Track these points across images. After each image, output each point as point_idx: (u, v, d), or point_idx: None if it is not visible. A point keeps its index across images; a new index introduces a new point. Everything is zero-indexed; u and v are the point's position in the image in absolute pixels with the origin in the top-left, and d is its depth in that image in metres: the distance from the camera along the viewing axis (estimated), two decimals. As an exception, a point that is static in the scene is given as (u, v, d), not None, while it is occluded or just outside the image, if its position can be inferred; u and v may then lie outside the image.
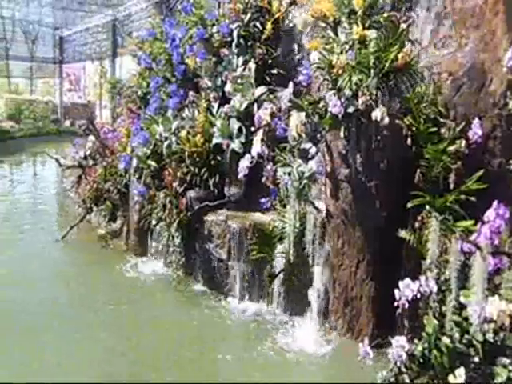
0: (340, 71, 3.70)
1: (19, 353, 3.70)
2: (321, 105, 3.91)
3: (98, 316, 4.36)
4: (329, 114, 3.72)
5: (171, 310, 4.51)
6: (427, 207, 3.20)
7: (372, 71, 3.58)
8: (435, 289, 2.71)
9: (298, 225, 3.90)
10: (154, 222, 5.17)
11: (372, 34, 3.77)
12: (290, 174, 3.80)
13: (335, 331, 3.88)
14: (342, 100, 3.62)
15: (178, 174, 5.00)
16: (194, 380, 3.40)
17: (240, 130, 4.91)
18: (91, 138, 7.46)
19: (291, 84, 4.11)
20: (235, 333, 4.10)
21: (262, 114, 4.31)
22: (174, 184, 4.96)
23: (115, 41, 15.91)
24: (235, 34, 5.48)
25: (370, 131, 3.57)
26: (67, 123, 20.07)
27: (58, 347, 3.84)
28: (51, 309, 4.46)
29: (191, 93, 5.67)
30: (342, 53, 3.84)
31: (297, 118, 3.87)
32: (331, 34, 4.18)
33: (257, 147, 4.29)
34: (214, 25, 5.80)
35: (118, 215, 6.14)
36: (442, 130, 3.32)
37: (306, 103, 4.01)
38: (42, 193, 10.26)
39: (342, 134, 3.67)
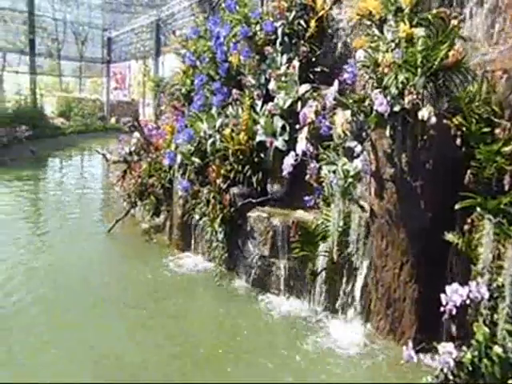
0: (386, 70, 3.57)
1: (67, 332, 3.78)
2: (366, 103, 3.78)
3: (138, 308, 4.35)
4: (374, 112, 3.59)
5: (212, 304, 4.46)
6: (478, 209, 3.02)
7: (419, 70, 3.43)
8: (487, 295, 2.55)
9: (341, 224, 3.78)
10: (197, 217, 5.12)
11: (420, 31, 3.62)
12: (334, 172, 3.67)
13: (377, 332, 3.75)
14: (388, 98, 3.48)
15: (222, 171, 4.94)
16: (232, 378, 3.32)
17: (283, 127, 4.81)
18: (136, 134, 7.50)
19: (336, 82, 3.97)
20: (276, 330, 3.99)
21: (307, 112, 4.20)
22: (218, 181, 4.90)
23: (158, 40, 16.03)
24: (279, 31, 5.40)
25: (417, 130, 3.42)
26: (113, 120, 20.39)
27: (98, 335, 3.87)
28: (95, 299, 4.49)
29: (235, 90, 5.60)
30: (388, 51, 3.70)
31: (342, 117, 3.75)
32: (377, 32, 4.04)
33: (301, 145, 4.18)
34: (257, 23, 5.72)
35: (161, 210, 6.13)
36: (497, 131, 3.13)
37: (350, 101, 3.89)
38: (89, 186, 10.43)
39: (387, 133, 3.54)
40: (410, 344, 2.78)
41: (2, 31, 17.20)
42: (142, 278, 4.94)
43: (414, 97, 3.35)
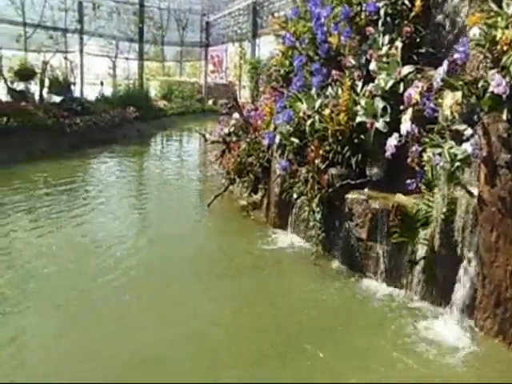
0: (505, 48, 3.20)
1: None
2: (480, 84, 3.42)
3: (235, 280, 4.35)
4: (488, 94, 3.23)
5: (307, 284, 4.29)
6: None
7: (544, 47, 3.03)
8: None
9: (445, 210, 3.48)
10: (295, 196, 4.98)
11: (547, 4, 3.20)
12: (440, 155, 3.39)
13: (482, 331, 3.37)
14: (507, 79, 3.11)
15: (321, 151, 4.77)
16: (319, 359, 3.16)
17: (385, 109, 4.53)
18: (235, 115, 7.51)
19: (445, 62, 3.64)
20: (371, 314, 3.76)
21: (412, 93, 3.90)
22: (316, 161, 4.73)
23: (255, 22, 15.89)
24: (382, 12, 5.06)
25: (539, 114, 3.05)
26: (210, 102, 20.76)
27: (195, 305, 3.89)
28: (194, 270, 4.56)
29: (334, 71, 5.37)
30: (507, 27, 3.31)
31: (452, 98, 3.43)
32: (494, 7, 3.63)
33: (406, 126, 3.89)
34: (359, 3, 5.41)
35: (259, 188, 6.10)
36: None
37: (460, 83, 3.54)
38: (188, 163, 10.69)
39: (504, 117, 3.17)
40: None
41: (116, 22, 17.96)
42: (238, 253, 4.94)
43: (537, 77, 2.98)
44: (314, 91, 5.45)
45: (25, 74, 11.63)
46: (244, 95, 14.59)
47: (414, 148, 3.85)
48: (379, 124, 4.45)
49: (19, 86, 11.58)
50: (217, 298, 4.01)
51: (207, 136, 8.16)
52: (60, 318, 3.65)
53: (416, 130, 3.84)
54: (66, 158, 9.74)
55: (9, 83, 11.22)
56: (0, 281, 4.15)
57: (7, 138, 9.19)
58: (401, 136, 3.94)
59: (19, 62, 11.91)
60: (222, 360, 3.15)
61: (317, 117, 5.08)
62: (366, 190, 4.48)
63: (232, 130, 7.29)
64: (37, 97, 11.63)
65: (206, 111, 19.53)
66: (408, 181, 3.97)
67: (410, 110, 3.96)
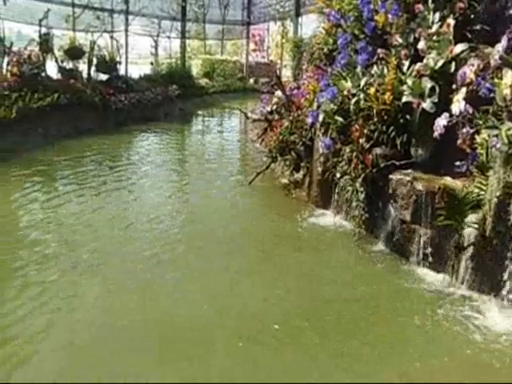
0: None
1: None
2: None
3: (275, 257, 4.31)
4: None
5: (348, 263, 4.21)
6: None
7: None
8: None
9: (499, 194, 3.29)
10: (338, 176, 4.85)
11: None
12: (497, 136, 3.19)
13: None
14: None
15: (365, 130, 4.61)
16: (357, 343, 3.06)
17: (433, 89, 4.31)
18: (278, 93, 7.38)
19: (504, 38, 3.41)
20: (414, 300, 3.58)
21: (467, 71, 3.69)
22: (361, 140, 4.58)
23: (298, 0, 15.49)
24: (433, -12, 4.80)
25: None
26: (251, 81, 20.54)
27: (234, 280, 3.87)
28: (234, 246, 4.53)
29: (380, 50, 5.15)
30: None
31: (511, 77, 3.22)
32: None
33: (459, 106, 3.68)
34: (408, -20, 5.15)
35: (301, 166, 5.97)
36: None
37: (520, 61, 3.32)
38: (229, 141, 10.64)
39: None
40: None
41: (158, 1, 17.90)
42: (279, 230, 4.88)
43: None
44: (358, 69, 5.26)
45: (74, 53, 11.76)
46: (285, 74, 14.31)
47: (465, 129, 3.66)
48: (426, 104, 4.24)
49: (69, 64, 11.73)
50: (257, 274, 3.98)
51: (249, 114, 8.08)
52: (106, 284, 3.73)
53: (470, 110, 3.63)
54: (110, 135, 9.87)
55: (59, 62, 11.38)
56: (50, 250, 4.26)
57: (57, 114, 9.36)
58: (451, 116, 3.74)
59: (69, 41, 12.05)
60: (263, 333, 3.12)
61: (362, 95, 4.90)
62: (410, 171, 4.30)
63: (274, 108, 7.18)
64: (85, 75, 11.76)
65: (247, 90, 19.37)
66: (457, 163, 3.78)
67: (463, 90, 3.74)
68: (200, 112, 14.74)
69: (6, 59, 9.75)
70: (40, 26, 10.81)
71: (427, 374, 2.78)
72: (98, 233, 4.72)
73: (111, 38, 14.45)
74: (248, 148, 9.09)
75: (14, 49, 9.93)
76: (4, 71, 9.68)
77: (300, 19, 15.14)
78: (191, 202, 5.91)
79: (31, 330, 3.11)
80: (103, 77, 12.35)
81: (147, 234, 4.72)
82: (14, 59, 9.42)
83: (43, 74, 10.04)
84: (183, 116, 13.39)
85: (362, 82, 4.96)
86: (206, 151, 9.46)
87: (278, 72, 8.67)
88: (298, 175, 6.02)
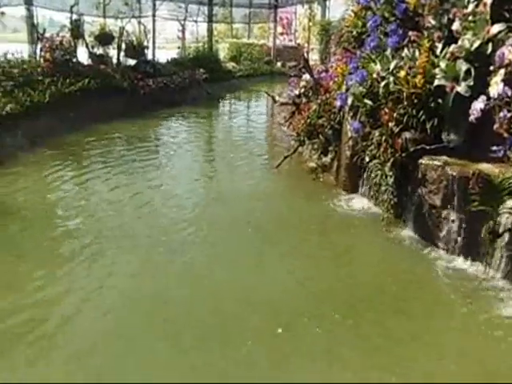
0: None
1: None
2: None
3: (299, 242, 4.27)
4: None
5: (376, 248, 4.13)
6: None
7: None
8: None
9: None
10: (367, 160, 4.75)
11: None
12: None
13: None
14: None
15: (395, 114, 4.48)
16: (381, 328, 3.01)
17: (468, 71, 4.15)
18: (305, 77, 7.27)
19: (544, 18, 3.25)
20: (443, 289, 3.46)
21: (506, 52, 3.53)
22: (390, 124, 4.47)
23: (326, -17, 15.20)
24: (468, -34, 4.60)
25: None
26: (278, 65, 20.32)
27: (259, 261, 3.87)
28: (259, 229, 4.51)
29: (411, 32, 4.99)
30: None
31: (551, 58, 3.07)
32: None
33: (497, 88, 3.53)
34: (441, -41, 4.95)
35: (329, 150, 5.89)
36: None
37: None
38: (257, 125, 10.58)
39: None
40: None
41: (185, -15, 17.77)
42: (307, 214, 4.84)
43: None
44: (388, 52, 5.11)
45: (104, 38, 11.84)
46: (312, 57, 14.11)
47: (502, 113, 3.51)
48: (461, 88, 4.09)
49: (99, 50, 11.82)
50: (286, 257, 3.96)
51: (276, 98, 7.99)
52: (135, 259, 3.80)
53: (509, 93, 3.48)
54: (139, 118, 9.93)
55: (89, 47, 11.48)
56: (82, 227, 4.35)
57: (87, 98, 9.45)
58: (489, 99, 3.59)
59: (99, 27, 12.12)
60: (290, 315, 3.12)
61: (391, 78, 4.76)
62: (441, 155, 4.16)
63: (302, 91, 7.08)
64: (114, 60, 11.84)
65: (274, 73, 19.17)
66: (494, 148, 3.64)
67: (501, 72, 3.58)
68: (227, 95, 14.68)
69: (39, 45, 9.88)
70: (71, 12, 10.90)
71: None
72: (123, 209, 4.88)
73: (139, 23, 14.44)
74: (275, 131, 9.01)
75: (47, 35, 10.04)
76: (37, 57, 9.81)
77: (327, 2, 14.87)
78: (217, 186, 5.92)
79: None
80: (132, 62, 12.41)
81: (171, 215, 4.77)
82: (47, 45, 9.54)
83: (74, 60, 10.14)
84: (210, 100, 13.36)
85: (392, 65, 4.82)
86: (234, 134, 9.43)
87: (305, 55, 8.53)
88: (326, 159, 5.94)
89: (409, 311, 3.20)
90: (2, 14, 9.98)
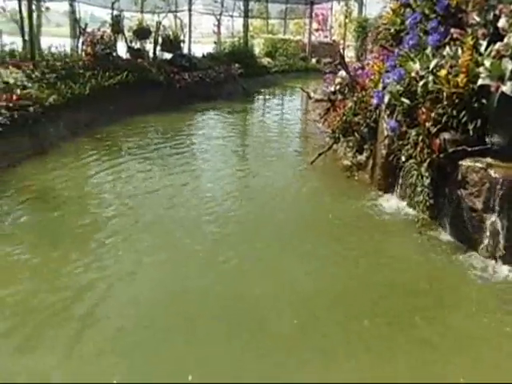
0: None
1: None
2: None
3: (333, 240, 4.21)
4: None
5: (409, 251, 3.97)
6: None
7: None
8: None
9: None
10: (403, 159, 4.61)
11: None
12: None
13: None
14: None
15: (433, 114, 4.35)
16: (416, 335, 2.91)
17: (514, 70, 3.99)
18: (341, 74, 7.15)
19: None
20: (483, 297, 3.29)
21: (555, 52, 3.37)
22: (428, 124, 4.33)
23: (363, -20, 14.94)
24: (516, -40, 4.41)
25: None
26: (313, 61, 20.13)
27: (291, 261, 3.82)
28: (293, 227, 4.46)
29: (454, 29, 4.83)
30: None
31: None
32: None
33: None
34: (487, -48, 4.76)
35: (364, 148, 5.76)
36: None
37: None
38: (291, 121, 10.51)
39: None
40: None
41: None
42: (340, 213, 4.75)
43: None
44: (428, 51, 4.96)
45: (141, 33, 11.99)
46: (348, 54, 13.89)
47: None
48: (507, 87, 3.91)
49: (136, 44, 11.97)
50: (317, 257, 3.89)
51: (311, 94, 7.90)
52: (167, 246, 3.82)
53: None
54: (174, 112, 10.02)
55: (128, 42, 11.65)
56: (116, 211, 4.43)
57: (125, 92, 9.59)
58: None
59: (137, 22, 12.28)
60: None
61: (430, 77, 4.62)
62: (483, 157, 3.99)
63: (337, 88, 6.97)
64: (151, 54, 11.97)
65: (309, 70, 19.00)
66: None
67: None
68: (262, 91, 14.64)
69: (81, 40, 10.08)
70: (112, 8, 11.09)
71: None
72: (156, 198, 5.00)
73: (175, 17, 14.56)
74: (309, 128, 8.92)
75: (88, 30, 10.23)
76: (79, 51, 10.01)
77: (364, -1, 14.60)
78: (251, 181, 5.89)
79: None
80: (168, 56, 12.51)
81: (201, 207, 4.80)
82: (88, 40, 9.72)
83: (114, 54, 10.30)
84: (245, 94, 13.35)
85: (432, 64, 4.67)
86: (268, 129, 9.39)
87: (341, 52, 8.40)
88: (361, 157, 5.83)
89: (443, 319, 3.08)
90: (47, 8, 10.24)
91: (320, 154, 6.20)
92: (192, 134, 8.47)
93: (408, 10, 5.91)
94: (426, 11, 5.46)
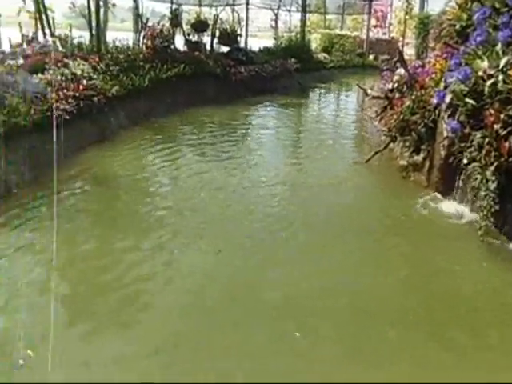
0: None
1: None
2: None
3: (383, 242, 4.04)
4: None
5: (469, 265, 3.67)
6: None
7: None
8: None
9: None
10: (465, 162, 4.33)
11: None
12: None
13: None
14: None
15: (502, 116, 4.06)
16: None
17: None
18: (399, 71, 6.87)
19: None
20: None
21: None
22: (496, 126, 4.05)
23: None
24: None
25: None
26: (371, 57, 19.61)
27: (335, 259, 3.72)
28: (342, 224, 4.36)
29: (527, 25, 4.49)
30: None
31: None
32: None
33: None
34: None
35: (421, 148, 5.48)
36: None
37: None
38: (346, 118, 10.28)
39: None
40: None
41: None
42: (395, 215, 4.57)
43: None
44: (498, 48, 4.63)
45: (199, 26, 12.04)
46: (407, 52, 13.37)
47: None
48: None
49: (194, 37, 12.05)
50: (366, 263, 3.74)
51: (368, 91, 7.65)
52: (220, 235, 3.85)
53: None
54: (230, 104, 10.05)
55: (186, 35, 11.74)
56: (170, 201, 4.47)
57: (182, 84, 9.70)
58: None
59: (195, 15, 12.34)
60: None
61: (500, 77, 4.31)
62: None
63: (395, 85, 6.69)
64: (208, 47, 12.01)
65: (365, 66, 18.54)
66: None
67: None
68: (317, 86, 14.40)
69: (142, 34, 10.26)
70: (171, 3, 11.20)
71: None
72: (208, 187, 5.10)
73: (233, 11, 14.53)
74: (365, 125, 8.66)
75: (149, 24, 10.40)
76: (140, 44, 10.20)
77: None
78: (304, 177, 5.76)
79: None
80: (224, 49, 12.52)
81: (251, 200, 4.81)
82: (149, 33, 9.89)
83: (172, 47, 10.41)
84: (301, 89, 13.16)
85: (503, 62, 4.36)
86: (322, 126, 9.21)
87: (400, 49, 8.09)
88: (418, 157, 5.55)
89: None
90: (113, 5, 10.51)
91: (376, 153, 5.99)
92: (246, 127, 8.51)
93: (476, 4, 5.58)
94: (497, 5, 5.11)
